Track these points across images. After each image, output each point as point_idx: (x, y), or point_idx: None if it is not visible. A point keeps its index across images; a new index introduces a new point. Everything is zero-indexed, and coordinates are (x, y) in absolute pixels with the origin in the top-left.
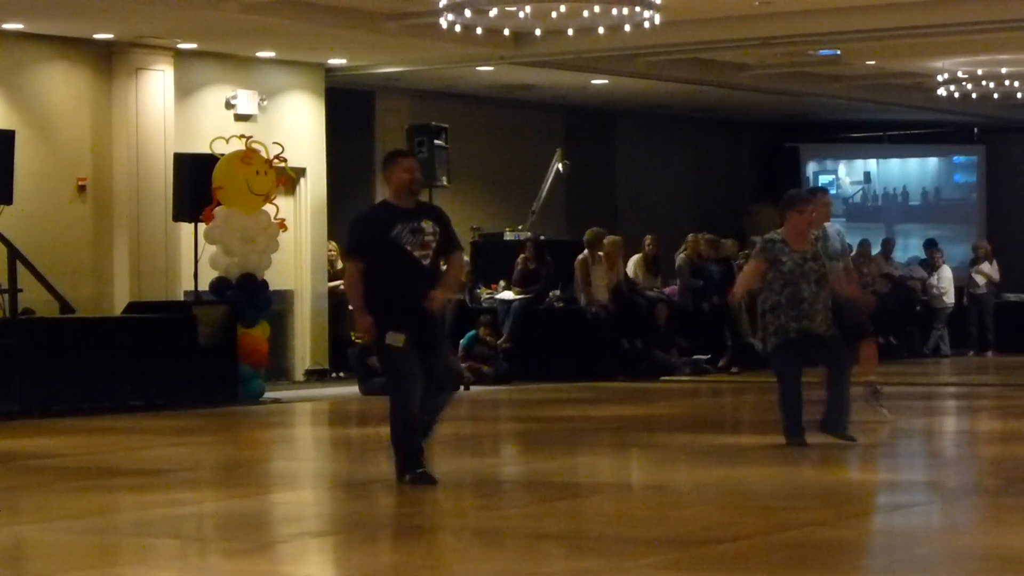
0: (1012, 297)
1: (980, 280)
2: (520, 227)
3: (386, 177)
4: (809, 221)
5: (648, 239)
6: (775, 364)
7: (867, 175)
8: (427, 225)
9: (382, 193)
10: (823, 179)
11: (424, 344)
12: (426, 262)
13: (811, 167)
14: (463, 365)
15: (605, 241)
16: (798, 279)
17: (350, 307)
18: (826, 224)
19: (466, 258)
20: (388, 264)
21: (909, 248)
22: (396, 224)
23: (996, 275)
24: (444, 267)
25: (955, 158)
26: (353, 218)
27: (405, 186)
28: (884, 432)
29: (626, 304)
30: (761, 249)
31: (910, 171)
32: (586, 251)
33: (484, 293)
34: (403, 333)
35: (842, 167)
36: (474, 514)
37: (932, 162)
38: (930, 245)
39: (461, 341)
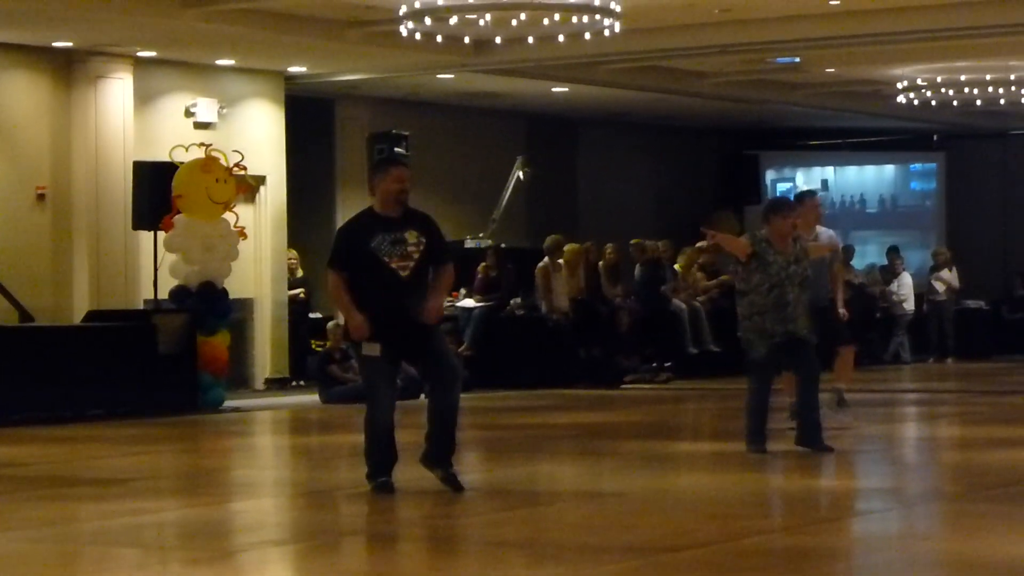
0: (971, 304)
1: (940, 287)
2: (481, 235)
3: (374, 186)
4: (794, 225)
5: (609, 247)
6: (755, 369)
7: (824, 183)
8: (411, 236)
9: (342, 201)
10: (781, 186)
11: (407, 353)
12: (404, 273)
13: (770, 175)
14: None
15: (566, 249)
16: (783, 282)
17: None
18: (819, 228)
19: None
20: (364, 274)
21: (867, 255)
22: (377, 234)
23: (956, 282)
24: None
25: (912, 166)
26: (339, 227)
27: (393, 196)
28: (846, 439)
29: (587, 311)
30: (750, 237)
31: (867, 178)
32: (546, 259)
33: (445, 301)
34: (378, 343)
35: (800, 175)
36: (435, 522)
37: (889, 169)
38: (891, 252)
39: None
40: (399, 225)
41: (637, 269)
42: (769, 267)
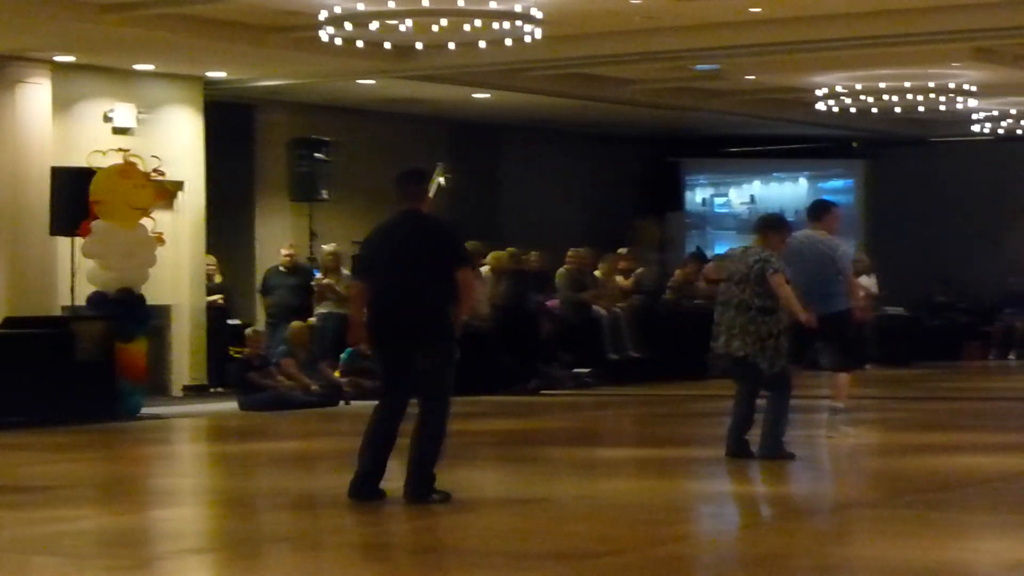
0: (891, 311)
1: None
2: None
3: (424, 194)
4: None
5: (533, 254)
6: (784, 382)
7: (752, 197)
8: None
9: (261, 208)
10: (701, 193)
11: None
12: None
13: (698, 182)
14: (343, 380)
15: (491, 256)
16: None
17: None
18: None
19: (347, 272)
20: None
21: None
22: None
23: (875, 289)
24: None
25: (826, 183)
26: (455, 230)
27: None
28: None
29: (509, 318)
30: (780, 264)
31: (786, 189)
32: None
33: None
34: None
35: (706, 182)
36: (359, 530)
37: (804, 186)
38: None
39: (342, 356)
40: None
41: (558, 276)
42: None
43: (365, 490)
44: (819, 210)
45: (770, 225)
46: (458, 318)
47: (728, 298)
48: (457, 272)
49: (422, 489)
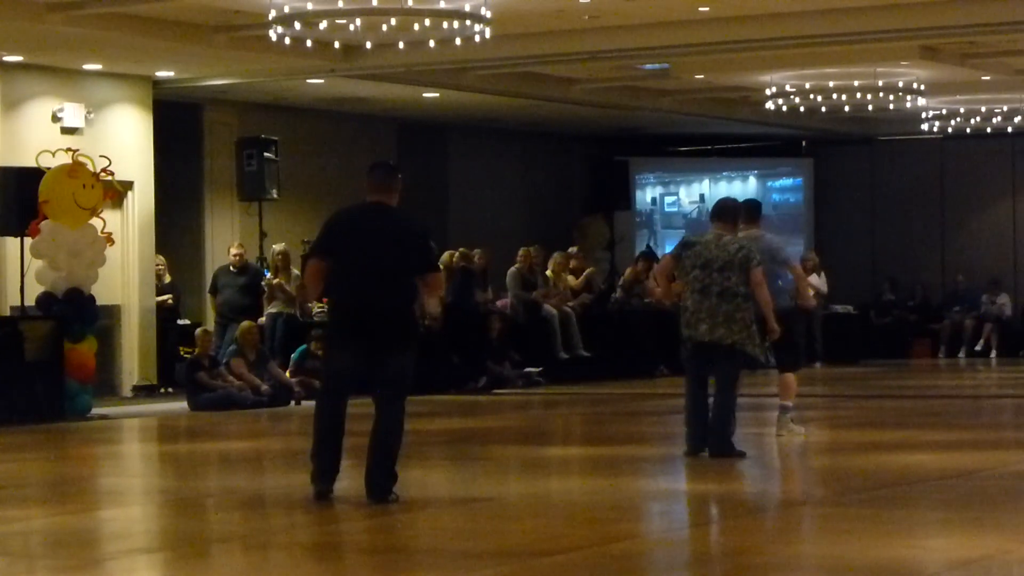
0: (840, 309)
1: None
2: None
3: (397, 188)
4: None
5: (477, 252)
6: (735, 379)
7: (701, 196)
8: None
9: (210, 207)
10: (650, 192)
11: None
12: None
13: (648, 181)
14: (293, 380)
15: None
16: None
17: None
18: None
19: (296, 272)
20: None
21: None
22: None
23: (824, 287)
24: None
25: (769, 183)
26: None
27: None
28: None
29: (458, 317)
30: (755, 253)
31: (734, 192)
32: None
33: (316, 307)
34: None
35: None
36: (306, 530)
37: (752, 184)
38: None
39: (292, 356)
40: None
41: (508, 275)
42: None
43: (327, 489)
44: (755, 210)
45: (730, 211)
46: (433, 318)
47: (707, 285)
48: (427, 276)
49: (387, 484)
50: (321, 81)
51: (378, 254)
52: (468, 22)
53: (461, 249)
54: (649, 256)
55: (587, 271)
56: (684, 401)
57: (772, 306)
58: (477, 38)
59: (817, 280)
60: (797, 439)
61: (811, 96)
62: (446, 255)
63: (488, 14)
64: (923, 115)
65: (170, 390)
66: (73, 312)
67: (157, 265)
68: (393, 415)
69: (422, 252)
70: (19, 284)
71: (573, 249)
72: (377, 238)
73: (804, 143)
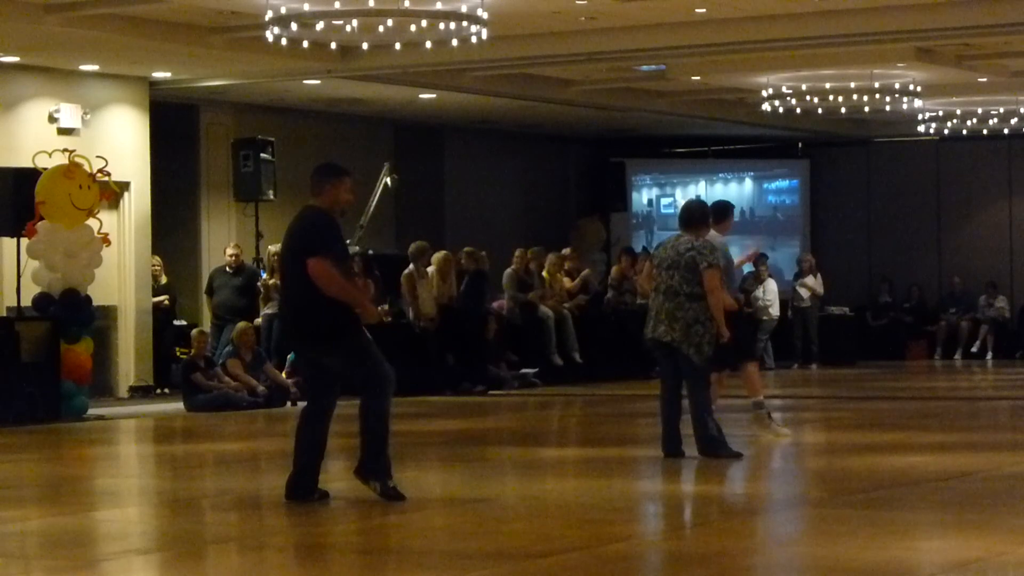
0: (836, 310)
1: (804, 293)
2: (348, 241)
3: (326, 189)
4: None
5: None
6: (705, 372)
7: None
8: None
9: (207, 208)
10: (646, 194)
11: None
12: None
13: (644, 182)
14: (289, 381)
15: (436, 256)
16: None
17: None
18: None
19: None
20: (340, 270)
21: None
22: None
23: (820, 288)
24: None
25: (771, 184)
26: (316, 215)
27: (344, 205)
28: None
29: (455, 318)
30: (716, 259)
31: (731, 193)
32: (412, 265)
33: None
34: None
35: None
36: (301, 530)
37: (752, 181)
38: (757, 258)
39: (289, 357)
40: None
41: (505, 276)
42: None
43: (299, 490)
44: (720, 213)
45: (700, 217)
46: (366, 309)
47: (658, 284)
48: (307, 264)
49: (371, 465)
50: (317, 82)
51: (284, 257)
52: (464, 23)
53: (467, 248)
54: (629, 252)
55: (583, 272)
56: None
57: (722, 313)
58: (474, 39)
59: (813, 281)
60: (783, 440)
61: (807, 98)
62: (440, 255)
63: (484, 15)
64: (919, 117)
65: (166, 391)
66: (69, 313)
67: (153, 266)
68: (365, 404)
69: (298, 240)
70: (15, 285)
71: (567, 250)
72: (284, 241)
73: (800, 145)
